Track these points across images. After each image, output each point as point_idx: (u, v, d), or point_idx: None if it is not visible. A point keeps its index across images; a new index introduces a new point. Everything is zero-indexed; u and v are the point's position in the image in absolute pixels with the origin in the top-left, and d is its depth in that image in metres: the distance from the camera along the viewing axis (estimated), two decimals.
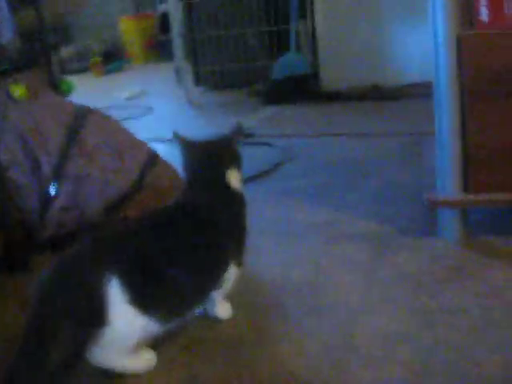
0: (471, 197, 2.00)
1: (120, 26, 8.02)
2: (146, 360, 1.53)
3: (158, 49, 7.90)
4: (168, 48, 7.48)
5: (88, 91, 6.06)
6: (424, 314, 1.66)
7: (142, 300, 1.43)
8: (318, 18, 4.43)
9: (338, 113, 3.99)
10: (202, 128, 3.93)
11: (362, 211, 2.37)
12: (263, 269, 1.99)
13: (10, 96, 2.15)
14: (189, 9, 4.94)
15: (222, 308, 1.72)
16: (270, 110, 4.22)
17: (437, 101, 2.02)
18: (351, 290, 1.82)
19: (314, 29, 4.50)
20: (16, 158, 2.21)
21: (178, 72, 5.31)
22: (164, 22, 7.57)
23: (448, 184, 2.02)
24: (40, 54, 2.47)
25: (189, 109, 4.63)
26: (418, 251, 2.01)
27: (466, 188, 2.00)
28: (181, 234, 1.54)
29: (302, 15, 4.59)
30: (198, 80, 5.13)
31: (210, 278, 1.60)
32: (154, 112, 4.68)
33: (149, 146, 2.41)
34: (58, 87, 2.63)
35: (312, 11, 4.48)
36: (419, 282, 1.82)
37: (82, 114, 2.29)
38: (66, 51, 7.86)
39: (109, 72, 7.57)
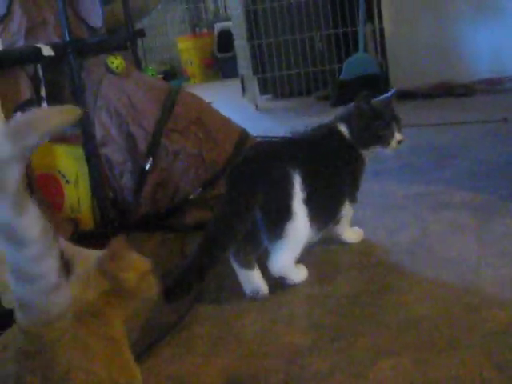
0: None
1: (178, 46, 8.11)
2: (304, 272, 1.72)
3: (217, 67, 7.96)
4: (226, 66, 7.56)
5: None
6: None
7: (309, 199, 1.65)
8: (386, 18, 4.42)
9: (412, 109, 3.94)
10: (271, 130, 3.91)
11: (456, 185, 2.32)
12: (369, 235, 1.95)
13: (108, 68, 2.17)
14: (254, 16, 4.97)
15: (351, 234, 1.92)
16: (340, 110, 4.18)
17: None
18: (465, 248, 1.77)
19: (381, 30, 4.48)
20: (110, 135, 2.22)
21: (243, 81, 5.32)
22: (221, 41, 7.65)
23: None
24: (127, 39, 2.49)
25: (256, 114, 4.62)
26: None
27: None
28: (327, 159, 1.77)
29: (369, 17, 4.58)
30: (265, 88, 5.13)
31: (339, 200, 1.81)
32: None
33: (239, 125, 2.39)
34: (143, 71, 2.64)
35: (379, 12, 4.47)
36: None
37: (175, 92, 2.29)
38: None
39: None
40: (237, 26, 5.25)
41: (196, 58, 7.91)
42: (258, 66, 5.00)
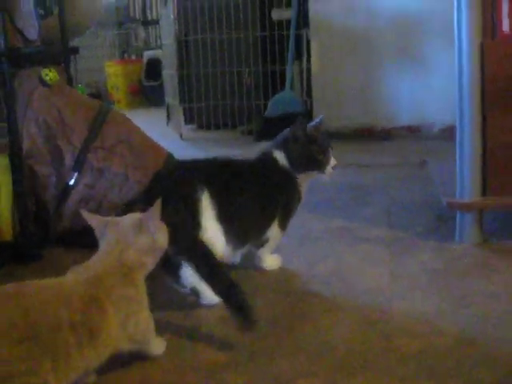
0: (489, 200, 2.05)
1: (106, 71, 8.08)
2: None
3: (143, 95, 7.95)
4: (152, 94, 7.57)
5: None
6: (457, 299, 1.68)
7: (223, 217, 1.71)
8: (313, 59, 4.53)
9: (334, 149, 4.04)
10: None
11: (373, 222, 2.40)
12: (288, 264, 2.01)
13: (41, 80, 2.16)
14: (185, 46, 5.01)
15: (270, 260, 1.96)
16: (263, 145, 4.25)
17: (459, 105, 2.07)
18: (380, 280, 1.84)
19: (308, 70, 4.59)
20: (37, 147, 2.22)
21: (168, 110, 5.33)
22: (149, 69, 7.66)
23: (466, 187, 2.06)
24: (61, 54, 2.50)
25: (181, 143, 4.64)
26: (438, 251, 2.05)
27: (484, 192, 2.05)
28: (249, 178, 1.84)
29: (298, 56, 4.69)
30: (190, 118, 5.15)
31: (262, 222, 1.86)
32: None
33: (166, 149, 2.42)
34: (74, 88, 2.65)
35: (308, 53, 4.59)
36: (446, 275, 1.85)
37: (105, 110, 2.30)
38: None
39: None
40: (167, 55, 5.28)
41: (123, 84, 7.88)
42: (185, 96, 5.04)
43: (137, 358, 1.40)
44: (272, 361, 1.40)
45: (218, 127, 4.96)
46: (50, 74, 2.15)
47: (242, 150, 3.92)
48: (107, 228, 1.37)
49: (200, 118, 5.08)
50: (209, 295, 1.66)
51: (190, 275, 1.65)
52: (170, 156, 2.38)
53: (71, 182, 2.20)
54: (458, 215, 2.11)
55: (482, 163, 2.04)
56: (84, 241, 2.26)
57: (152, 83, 7.57)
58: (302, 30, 4.64)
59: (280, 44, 4.71)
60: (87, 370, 1.25)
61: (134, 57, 8.49)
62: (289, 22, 4.63)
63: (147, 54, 7.73)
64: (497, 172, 2.04)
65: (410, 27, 4.31)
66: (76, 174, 2.19)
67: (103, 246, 1.36)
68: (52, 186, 2.24)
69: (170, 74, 5.16)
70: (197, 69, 4.95)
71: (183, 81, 5.01)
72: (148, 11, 8.61)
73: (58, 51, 2.46)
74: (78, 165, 2.20)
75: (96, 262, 1.33)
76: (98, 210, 2.24)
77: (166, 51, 5.25)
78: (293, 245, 2.19)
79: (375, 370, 1.34)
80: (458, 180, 2.09)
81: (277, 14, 4.74)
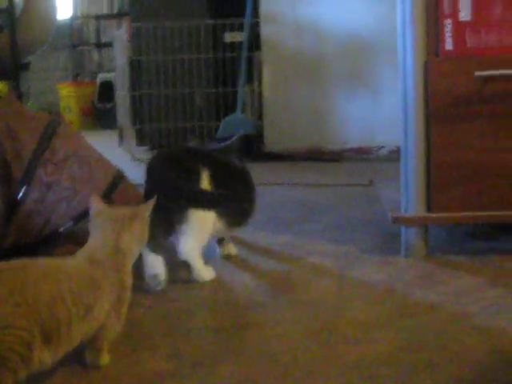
0: (434, 215, 2.09)
1: (59, 92, 8.05)
2: (211, 271, 1.98)
3: (95, 117, 7.94)
4: (105, 117, 7.56)
5: None
6: (399, 308, 1.71)
7: (217, 195, 1.95)
8: (264, 82, 4.59)
9: (283, 170, 4.10)
10: None
11: (321, 237, 2.44)
12: (231, 276, 2.04)
13: None
14: (137, 67, 5.02)
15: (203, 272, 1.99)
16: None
17: (403, 122, 2.12)
18: (326, 291, 1.86)
19: (260, 92, 4.64)
20: None
21: (120, 131, 5.33)
22: (102, 91, 7.65)
23: (412, 203, 2.11)
24: (11, 70, 2.49)
25: (132, 164, 4.63)
26: (384, 265, 2.08)
27: (428, 207, 2.10)
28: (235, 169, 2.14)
29: (249, 78, 4.73)
30: (142, 139, 5.15)
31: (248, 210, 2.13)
32: None
33: (116, 165, 2.42)
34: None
35: (259, 75, 4.63)
36: (390, 286, 1.89)
37: (55, 124, 2.29)
38: None
39: None
40: (120, 76, 5.29)
41: (75, 106, 7.86)
42: (137, 117, 5.04)
43: (80, 365, 1.40)
44: (216, 369, 1.41)
45: (169, 146, 4.96)
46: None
47: None
48: (101, 216, 1.52)
49: (152, 139, 5.08)
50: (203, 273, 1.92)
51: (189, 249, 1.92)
52: (119, 171, 2.38)
53: (19, 196, 2.18)
54: (403, 230, 2.15)
55: (426, 179, 2.09)
56: (33, 254, 2.27)
57: (105, 105, 7.56)
58: (253, 53, 4.68)
59: (232, 66, 4.75)
60: (76, 345, 1.33)
61: (87, 79, 8.47)
62: (241, 44, 4.67)
63: (100, 77, 7.72)
64: (441, 188, 2.09)
65: (360, 51, 4.41)
66: (24, 187, 2.18)
67: (98, 232, 1.51)
68: (0, 200, 2.21)
69: (122, 95, 5.16)
70: (149, 90, 4.96)
71: (135, 102, 5.01)
72: (102, 34, 8.61)
73: (9, 67, 2.45)
74: (27, 177, 2.18)
75: (96, 247, 1.48)
76: (45, 225, 2.23)
77: (119, 72, 5.27)
78: (238, 260, 2.21)
79: (318, 378, 1.36)
80: (403, 195, 2.14)
81: (229, 37, 4.79)
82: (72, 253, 2.12)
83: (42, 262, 1.40)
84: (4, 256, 2.22)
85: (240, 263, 2.16)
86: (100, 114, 7.79)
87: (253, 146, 4.51)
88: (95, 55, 8.67)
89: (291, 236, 2.46)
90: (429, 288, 1.86)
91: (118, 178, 2.34)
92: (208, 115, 4.89)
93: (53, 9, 3.10)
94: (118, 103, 5.12)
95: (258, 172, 4.03)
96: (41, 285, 1.27)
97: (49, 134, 2.24)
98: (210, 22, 4.83)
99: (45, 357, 1.24)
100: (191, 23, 4.79)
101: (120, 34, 5.07)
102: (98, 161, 2.33)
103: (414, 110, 2.08)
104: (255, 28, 4.66)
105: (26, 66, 2.57)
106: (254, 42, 4.67)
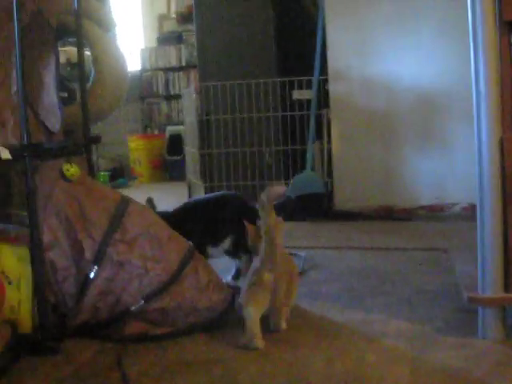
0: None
1: (128, 145, 8.19)
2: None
3: (165, 169, 8.04)
4: (174, 169, 7.65)
5: None
6: None
7: None
8: (334, 139, 4.57)
9: (353, 230, 4.05)
10: None
11: (394, 313, 2.38)
12: (305, 362, 1.97)
13: (63, 175, 2.19)
14: (206, 125, 5.07)
15: None
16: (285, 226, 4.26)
17: (480, 202, 2.06)
18: (400, 380, 1.81)
19: (329, 149, 4.62)
20: (58, 240, 2.23)
21: (189, 186, 5.38)
22: (172, 144, 7.76)
23: (488, 281, 2.04)
24: (82, 144, 2.53)
25: None
26: (461, 348, 2.00)
27: (506, 286, 2.03)
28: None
29: (318, 136, 4.72)
30: None
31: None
32: None
33: (188, 241, 2.43)
34: (95, 178, 2.68)
35: (328, 132, 4.62)
36: (467, 375, 1.82)
37: (125, 203, 2.32)
38: None
39: (115, 187, 7.63)
40: (189, 132, 5.35)
41: (145, 159, 7.99)
42: (206, 175, 5.08)
43: None
44: None
45: None
46: (72, 170, 2.18)
47: None
48: None
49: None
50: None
51: None
52: (190, 247, 2.38)
53: (91, 276, 2.20)
54: (480, 310, 2.08)
55: (503, 258, 2.03)
56: (102, 333, 2.28)
57: (174, 158, 7.66)
58: (322, 110, 4.68)
59: (300, 124, 4.75)
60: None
61: (156, 131, 8.61)
62: (309, 102, 4.68)
63: (169, 130, 7.83)
64: None
65: (431, 108, 4.36)
66: (96, 268, 2.20)
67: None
68: (72, 279, 2.24)
69: (191, 152, 5.21)
70: (218, 148, 5.00)
71: (204, 160, 5.07)
72: (171, 86, 8.75)
73: (80, 142, 2.49)
74: (98, 258, 2.20)
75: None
76: (117, 303, 2.24)
77: (188, 129, 5.33)
78: (310, 339, 2.17)
79: None
80: (479, 274, 2.07)
81: (297, 94, 4.80)
82: (143, 333, 2.17)
83: None
84: (76, 334, 2.26)
85: (312, 345, 2.11)
86: (169, 166, 7.89)
87: (322, 205, 4.48)
88: (164, 107, 8.81)
89: (362, 312, 2.41)
90: (508, 379, 1.78)
91: (189, 255, 2.34)
92: (277, 173, 4.89)
93: (125, 78, 3.15)
94: (187, 159, 5.16)
95: (328, 232, 4.02)
96: None
97: (119, 214, 2.27)
98: (278, 79, 4.86)
99: None
100: (259, 81, 4.82)
101: (188, 92, 5.13)
102: (170, 238, 2.34)
103: (489, 190, 2.02)
104: (323, 85, 4.66)
105: (97, 139, 2.60)
106: (323, 99, 4.67)
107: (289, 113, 4.83)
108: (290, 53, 5.10)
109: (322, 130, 4.73)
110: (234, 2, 5.12)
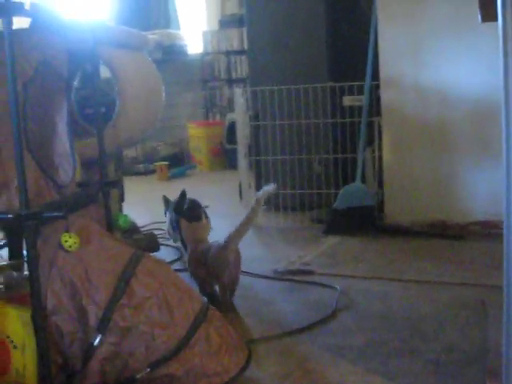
0: None
1: (188, 132, 8.13)
2: None
3: (224, 157, 7.96)
4: (233, 157, 7.56)
5: (148, 197, 6.12)
6: None
7: None
8: (386, 148, 4.39)
9: (400, 252, 3.87)
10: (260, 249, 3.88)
11: (421, 378, 2.22)
12: None
13: (61, 246, 2.11)
14: (256, 132, 4.97)
15: None
16: (330, 241, 4.14)
17: (507, 241, 1.85)
18: None
19: (380, 158, 4.45)
20: (62, 305, 2.16)
21: (241, 188, 5.29)
22: (231, 132, 7.67)
23: None
24: (99, 189, 2.45)
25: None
26: None
27: None
28: None
29: (369, 144, 4.55)
30: None
31: None
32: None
33: (202, 297, 2.33)
34: (114, 223, 2.60)
35: (380, 141, 4.44)
36: None
37: (135, 261, 2.23)
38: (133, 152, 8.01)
39: (173, 177, 7.61)
40: (240, 135, 5.22)
41: (204, 147, 7.93)
42: (256, 180, 5.01)
43: None
44: None
45: (286, 210, 4.89)
46: (70, 241, 2.09)
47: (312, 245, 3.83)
48: None
49: (270, 202, 5.02)
50: None
51: None
52: (203, 306, 2.29)
53: (95, 343, 2.13)
54: None
55: None
56: None
57: (233, 146, 7.57)
58: (373, 118, 4.49)
59: (351, 131, 4.58)
60: None
61: (218, 115, 8.53)
62: (360, 108, 4.50)
63: (229, 118, 7.75)
64: None
65: (488, 117, 4.10)
66: (100, 336, 2.12)
67: None
68: (78, 342, 2.17)
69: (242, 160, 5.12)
70: (266, 155, 4.90)
71: (254, 166, 4.99)
72: (233, 70, 8.63)
73: (92, 192, 2.40)
74: (103, 326, 2.13)
75: None
76: (124, 368, 2.17)
77: (240, 131, 5.20)
78: None
79: None
80: None
81: (348, 100, 4.62)
82: None
83: None
84: None
85: None
86: (228, 155, 7.81)
87: (372, 219, 4.32)
88: (226, 91, 8.70)
89: (385, 380, 2.26)
90: None
91: (201, 317, 2.26)
92: (327, 181, 4.75)
93: (153, 105, 3.06)
94: (239, 165, 5.08)
95: (372, 254, 3.86)
96: None
97: (127, 276, 2.19)
98: (329, 84, 4.68)
99: None
100: (308, 86, 4.66)
101: (239, 94, 4.99)
102: (180, 299, 2.25)
103: None
104: (375, 92, 4.47)
105: (115, 184, 2.51)
106: (375, 106, 4.48)
107: (339, 119, 4.65)
108: (341, 57, 4.91)
109: (373, 138, 4.54)
110: (285, 4, 4.96)
